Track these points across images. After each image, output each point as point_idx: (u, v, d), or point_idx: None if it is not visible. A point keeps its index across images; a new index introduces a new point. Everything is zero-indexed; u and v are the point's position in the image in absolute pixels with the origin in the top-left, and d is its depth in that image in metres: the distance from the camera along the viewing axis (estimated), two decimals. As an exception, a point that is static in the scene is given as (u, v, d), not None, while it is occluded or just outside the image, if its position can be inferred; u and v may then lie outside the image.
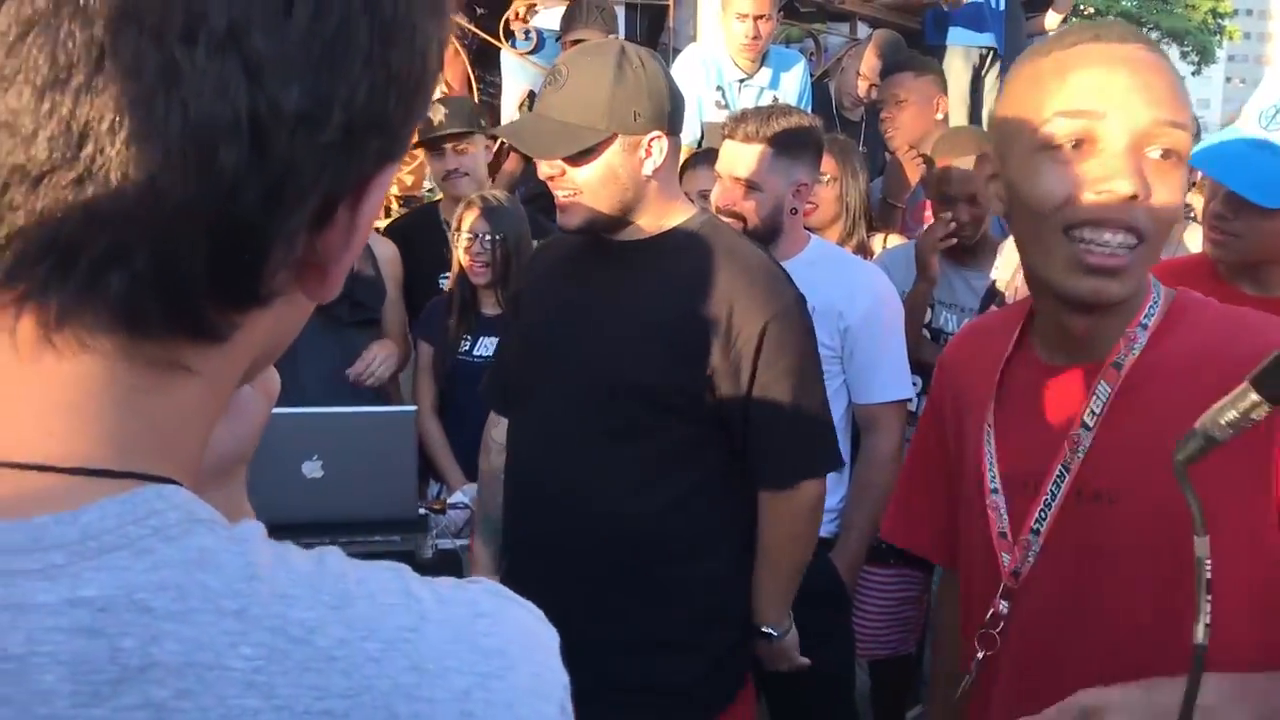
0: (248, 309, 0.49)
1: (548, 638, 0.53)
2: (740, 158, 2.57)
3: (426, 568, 2.58)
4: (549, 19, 4.32)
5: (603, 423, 1.94)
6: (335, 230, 0.50)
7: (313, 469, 2.48)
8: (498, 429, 2.27)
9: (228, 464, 0.64)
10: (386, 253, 3.28)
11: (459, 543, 2.69)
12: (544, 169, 1.93)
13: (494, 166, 3.99)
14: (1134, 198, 1.11)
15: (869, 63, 4.61)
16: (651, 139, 1.90)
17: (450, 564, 2.63)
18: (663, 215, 1.97)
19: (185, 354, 0.48)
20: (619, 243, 1.97)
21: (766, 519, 2.01)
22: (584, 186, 1.89)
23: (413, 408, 2.76)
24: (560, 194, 1.92)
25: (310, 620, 0.45)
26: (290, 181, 0.46)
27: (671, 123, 1.93)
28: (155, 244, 0.44)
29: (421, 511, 2.69)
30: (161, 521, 0.45)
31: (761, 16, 3.93)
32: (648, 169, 1.91)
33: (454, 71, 4.32)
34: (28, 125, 0.42)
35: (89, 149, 0.42)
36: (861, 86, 4.65)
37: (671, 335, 1.91)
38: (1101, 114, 1.13)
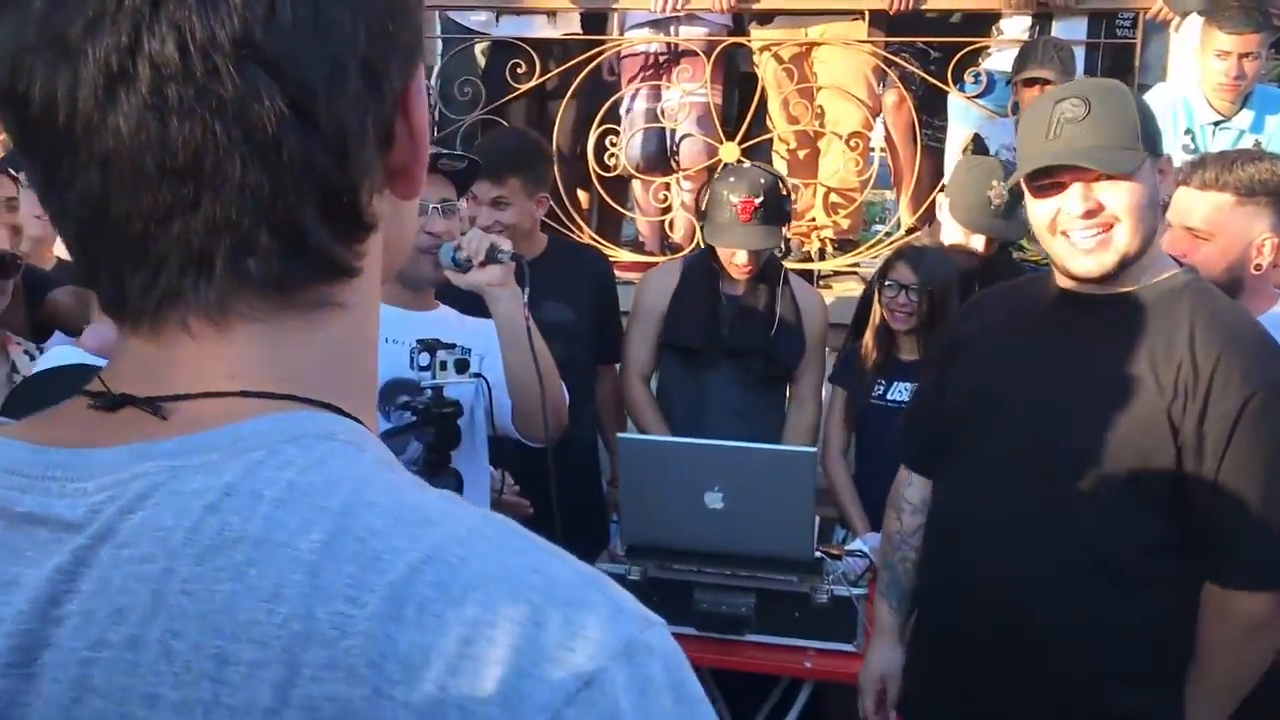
0: (365, 238, 0.58)
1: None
2: (1193, 206, 2.36)
3: (821, 614, 2.57)
4: (1001, 61, 4.17)
5: (1044, 485, 1.83)
6: (400, 144, 0.58)
7: (714, 500, 2.54)
8: (910, 489, 2.19)
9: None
10: (812, 302, 3.26)
11: (855, 592, 2.63)
12: (1079, 204, 1.77)
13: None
14: None
15: None
16: (1161, 166, 1.83)
17: (844, 611, 2.58)
18: (1148, 265, 1.83)
19: (333, 292, 0.58)
20: (1086, 295, 1.85)
21: (1206, 618, 1.80)
22: (1125, 214, 1.77)
23: (814, 448, 2.74)
24: (1088, 232, 1.78)
25: (378, 526, 0.51)
26: (347, 134, 0.54)
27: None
28: (270, 228, 0.54)
29: (818, 555, 2.66)
30: (299, 432, 0.54)
31: (1247, 55, 3.54)
32: (1163, 195, 1.82)
33: (899, 118, 4.28)
34: (149, 164, 0.52)
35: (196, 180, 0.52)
36: None
37: (1136, 400, 1.76)
38: None
